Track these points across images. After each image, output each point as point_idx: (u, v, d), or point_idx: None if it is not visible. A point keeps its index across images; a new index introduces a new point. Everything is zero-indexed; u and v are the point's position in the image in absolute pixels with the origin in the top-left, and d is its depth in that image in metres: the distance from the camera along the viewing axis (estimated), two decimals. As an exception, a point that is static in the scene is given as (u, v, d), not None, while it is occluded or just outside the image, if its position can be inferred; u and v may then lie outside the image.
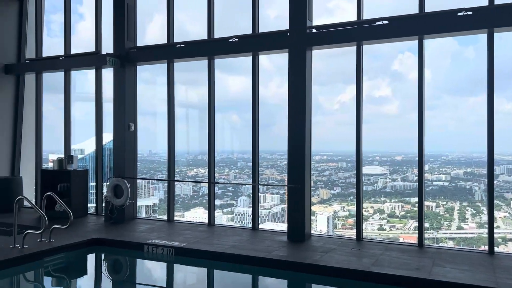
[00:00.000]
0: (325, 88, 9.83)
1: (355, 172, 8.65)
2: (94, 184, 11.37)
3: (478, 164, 9.53)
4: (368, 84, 8.58)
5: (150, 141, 11.52)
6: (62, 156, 11.12)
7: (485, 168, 7.95)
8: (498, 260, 6.97)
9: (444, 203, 9.11)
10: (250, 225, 9.50)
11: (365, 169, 10.35)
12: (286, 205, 9.41)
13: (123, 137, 10.12)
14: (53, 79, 12.26)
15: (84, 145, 12.00)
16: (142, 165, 10.82)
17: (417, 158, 9.33)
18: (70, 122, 11.65)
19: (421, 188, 7.96)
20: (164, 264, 7.94)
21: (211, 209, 9.75)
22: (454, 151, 10.14)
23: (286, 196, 9.90)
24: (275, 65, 10.61)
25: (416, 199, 9.69)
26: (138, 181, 10.82)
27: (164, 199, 11.49)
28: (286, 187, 8.59)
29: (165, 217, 10.33)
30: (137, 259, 8.20)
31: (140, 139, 10.66)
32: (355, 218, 8.48)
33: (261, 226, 9.45)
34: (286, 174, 10.18)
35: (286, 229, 8.50)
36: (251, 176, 9.71)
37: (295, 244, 7.93)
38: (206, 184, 10.49)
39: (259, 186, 9.59)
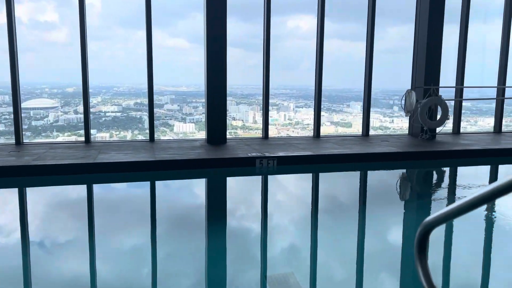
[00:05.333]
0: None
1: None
2: None
3: (146, 94, 10.29)
4: (31, 6, 7.66)
5: None
6: None
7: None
8: (157, 144, 7.84)
9: (117, 132, 9.41)
10: None
11: (34, 103, 9.49)
12: None
13: None
14: None
15: None
16: None
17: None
18: None
19: (87, 120, 7.90)
20: None
21: None
22: (125, 83, 10.53)
23: None
24: None
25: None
26: None
27: None
28: None
29: None
30: None
31: None
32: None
33: None
34: None
35: None
36: None
37: None
38: None
39: None
